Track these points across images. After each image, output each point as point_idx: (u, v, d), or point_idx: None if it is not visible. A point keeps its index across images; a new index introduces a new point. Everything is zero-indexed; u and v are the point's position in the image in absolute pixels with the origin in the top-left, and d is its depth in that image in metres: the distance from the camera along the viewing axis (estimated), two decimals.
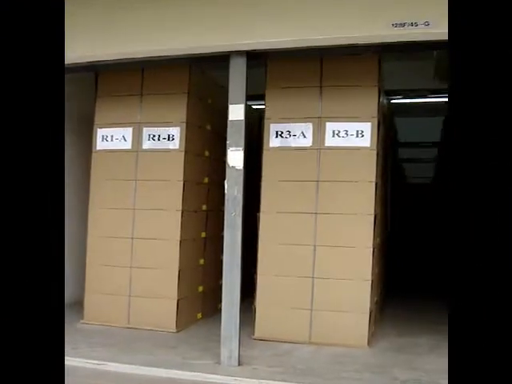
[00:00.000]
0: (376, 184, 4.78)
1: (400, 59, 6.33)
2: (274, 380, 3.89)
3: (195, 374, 4.00)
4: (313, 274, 4.75)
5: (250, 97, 4.48)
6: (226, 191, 4.19)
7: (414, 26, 3.97)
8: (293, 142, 4.85)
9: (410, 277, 9.26)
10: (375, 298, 5.07)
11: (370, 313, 4.70)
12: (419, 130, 9.56)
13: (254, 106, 6.37)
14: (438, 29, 3.90)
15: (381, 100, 5.05)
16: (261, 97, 5.04)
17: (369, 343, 4.69)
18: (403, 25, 3.98)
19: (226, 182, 4.19)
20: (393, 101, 7.54)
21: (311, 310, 4.73)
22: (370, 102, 4.80)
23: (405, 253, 10.05)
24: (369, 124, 4.76)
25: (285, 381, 3.87)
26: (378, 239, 5.11)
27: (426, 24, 3.94)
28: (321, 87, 4.87)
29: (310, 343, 4.69)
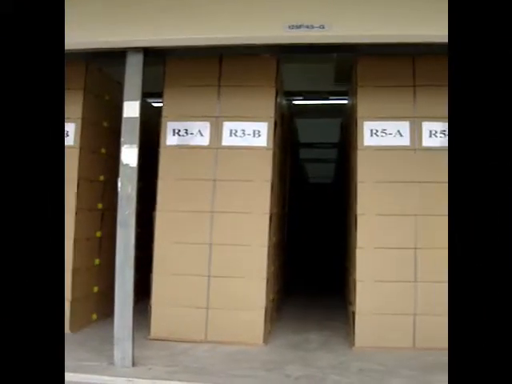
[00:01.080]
0: (272, 183, 4.83)
1: (301, 61, 6.45)
2: (168, 379, 3.86)
3: (88, 376, 3.90)
4: (209, 272, 4.73)
5: (150, 94, 4.40)
6: (119, 189, 4.10)
7: (309, 29, 4.05)
8: (190, 141, 4.82)
9: (309, 275, 9.48)
10: (271, 296, 5.13)
11: (266, 311, 4.74)
12: (320, 131, 9.77)
13: (155, 104, 6.28)
14: (332, 32, 4.01)
15: (279, 100, 5.12)
16: (161, 94, 4.97)
17: (265, 341, 4.73)
18: (299, 27, 4.05)
19: (119, 179, 4.10)
20: (294, 102, 7.67)
21: (207, 308, 4.72)
22: (268, 103, 4.85)
23: (304, 251, 10.28)
24: (265, 124, 4.81)
25: (179, 380, 3.84)
26: (274, 238, 5.18)
27: (321, 27, 4.02)
28: (219, 86, 4.88)
29: (207, 342, 4.68)
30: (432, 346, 4.48)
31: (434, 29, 3.94)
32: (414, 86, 4.80)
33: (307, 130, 9.40)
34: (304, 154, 11.22)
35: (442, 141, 4.72)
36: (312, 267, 10.04)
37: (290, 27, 4.04)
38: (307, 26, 4.05)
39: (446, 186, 4.53)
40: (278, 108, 5.09)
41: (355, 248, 4.76)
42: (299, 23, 4.04)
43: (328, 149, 10.98)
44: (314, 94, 7.63)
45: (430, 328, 4.60)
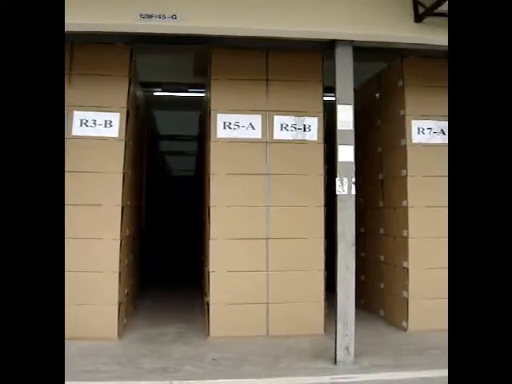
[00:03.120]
0: (124, 175, 4.73)
1: (158, 52, 6.37)
2: None
3: None
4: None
5: None
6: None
7: (161, 19, 4.01)
8: None
9: (170, 267, 9.44)
10: (126, 290, 5.03)
11: (120, 304, 4.65)
12: (181, 124, 9.72)
13: None
14: (185, 23, 3.99)
15: (132, 91, 5.02)
16: None
17: (119, 335, 4.64)
18: (150, 16, 3.99)
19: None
20: (154, 93, 7.57)
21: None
22: (120, 92, 4.76)
23: (167, 244, 10.20)
24: (117, 114, 4.72)
25: None
26: (127, 231, 5.08)
27: (174, 17, 4.00)
28: (70, 74, 4.70)
29: None
30: (284, 333, 4.65)
31: (286, 25, 4.09)
32: (267, 80, 4.92)
33: (168, 123, 9.33)
34: (165, 146, 11.11)
35: (293, 134, 4.88)
36: (173, 259, 10.00)
37: (142, 16, 3.98)
38: (159, 16, 4.01)
39: (296, 177, 4.91)
40: (132, 98, 5.00)
41: (208, 239, 4.81)
42: (151, 12, 3.99)
43: (189, 141, 10.95)
44: (173, 85, 7.57)
45: (282, 316, 4.75)
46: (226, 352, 4.34)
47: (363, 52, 4.36)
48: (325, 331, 4.79)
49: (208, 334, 4.71)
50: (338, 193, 4.05)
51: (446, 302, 4.79)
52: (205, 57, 5.24)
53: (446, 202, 4.82)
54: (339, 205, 4.05)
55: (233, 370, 3.97)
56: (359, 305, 5.89)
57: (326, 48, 4.34)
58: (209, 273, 4.76)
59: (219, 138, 4.82)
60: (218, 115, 4.82)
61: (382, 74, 5.81)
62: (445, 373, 3.72)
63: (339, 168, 4.07)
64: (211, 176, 4.82)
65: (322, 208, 4.89)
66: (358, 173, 5.91)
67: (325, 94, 5.00)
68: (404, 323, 5.05)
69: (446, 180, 4.88)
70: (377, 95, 5.91)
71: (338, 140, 4.09)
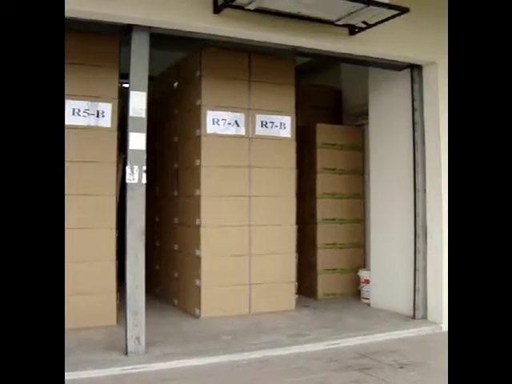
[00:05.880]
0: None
1: None
2: None
3: None
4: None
5: None
6: None
7: None
8: None
9: None
10: None
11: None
12: None
13: None
14: None
15: None
16: None
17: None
18: None
19: None
20: None
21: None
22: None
23: None
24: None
25: None
26: None
27: None
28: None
29: None
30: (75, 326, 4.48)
31: (82, 6, 3.87)
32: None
33: None
34: None
35: (86, 120, 4.72)
36: None
37: None
38: None
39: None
40: None
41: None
42: None
43: None
44: None
45: (72, 308, 4.57)
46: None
47: (163, 39, 4.34)
48: (118, 322, 4.70)
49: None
50: (128, 181, 3.96)
51: (237, 288, 5.15)
52: None
53: (237, 192, 5.23)
54: (129, 193, 3.96)
55: None
56: (155, 294, 5.91)
57: (122, 33, 4.22)
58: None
59: None
60: None
61: (181, 64, 5.82)
62: (241, 356, 3.96)
63: (130, 156, 3.97)
64: None
65: (114, 197, 4.82)
66: (155, 162, 5.93)
67: (122, 81, 4.89)
68: (197, 311, 5.15)
69: (238, 170, 5.30)
70: (175, 84, 5.91)
71: (130, 127, 4.00)
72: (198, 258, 5.15)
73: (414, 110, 5.25)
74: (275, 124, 5.46)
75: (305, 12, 4.25)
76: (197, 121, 5.23)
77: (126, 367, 3.76)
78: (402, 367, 3.85)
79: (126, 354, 3.94)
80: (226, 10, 4.15)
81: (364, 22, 4.49)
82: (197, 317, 5.13)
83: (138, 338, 3.96)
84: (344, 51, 4.86)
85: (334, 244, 6.24)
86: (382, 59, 5.10)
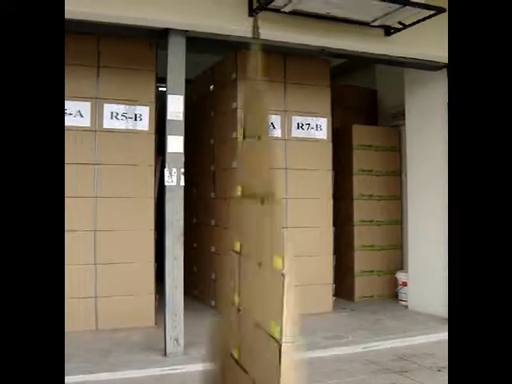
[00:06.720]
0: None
1: None
2: None
3: None
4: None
5: None
6: None
7: None
8: None
9: None
10: None
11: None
12: None
13: None
14: None
15: None
16: None
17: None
18: None
19: None
20: None
21: None
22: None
23: None
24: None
25: None
26: None
27: None
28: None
29: None
30: (114, 327, 4.54)
31: (118, 11, 3.94)
32: (98, 67, 4.76)
33: None
34: None
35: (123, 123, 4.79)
36: None
37: None
38: None
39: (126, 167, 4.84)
40: None
41: None
42: None
43: None
44: None
45: (111, 309, 4.64)
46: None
47: (198, 43, 4.37)
48: (156, 323, 4.75)
49: None
50: (166, 183, 4.02)
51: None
52: None
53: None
54: (168, 195, 4.02)
55: None
56: (192, 296, 5.95)
57: (159, 37, 4.29)
58: None
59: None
60: None
61: (216, 66, 5.85)
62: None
63: (168, 158, 4.03)
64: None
65: (153, 199, 4.85)
66: (192, 164, 5.98)
67: (159, 85, 4.95)
68: None
69: (274, 172, 5.23)
70: (211, 87, 5.95)
71: (168, 130, 4.05)
72: None
73: None
74: (311, 126, 5.46)
75: (338, 14, 4.26)
76: (233, 123, 5.24)
77: (165, 368, 3.81)
78: (439, 370, 3.81)
79: (165, 354, 3.99)
80: (261, 13, 4.17)
81: (400, 23, 4.46)
82: None
83: (176, 340, 4.00)
84: (380, 52, 4.83)
85: (371, 246, 6.20)
86: (418, 59, 5.06)
